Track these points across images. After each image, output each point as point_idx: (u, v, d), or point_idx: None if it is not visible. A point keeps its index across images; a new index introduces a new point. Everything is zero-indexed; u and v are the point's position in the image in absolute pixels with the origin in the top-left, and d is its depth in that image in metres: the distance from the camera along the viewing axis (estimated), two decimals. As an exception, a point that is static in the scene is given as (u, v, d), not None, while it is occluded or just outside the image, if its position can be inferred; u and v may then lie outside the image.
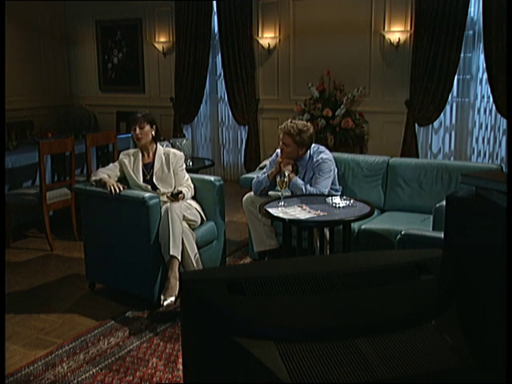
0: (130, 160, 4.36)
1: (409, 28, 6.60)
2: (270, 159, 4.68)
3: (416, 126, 6.72)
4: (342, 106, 6.71)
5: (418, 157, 6.63)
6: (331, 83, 6.90)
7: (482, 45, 6.22)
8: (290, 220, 3.60)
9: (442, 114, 6.62)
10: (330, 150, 4.67)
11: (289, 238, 3.87)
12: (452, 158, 6.74)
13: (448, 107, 6.65)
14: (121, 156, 4.44)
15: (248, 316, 1.49)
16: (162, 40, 8.18)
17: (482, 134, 6.58)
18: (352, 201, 3.95)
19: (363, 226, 4.35)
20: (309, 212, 3.68)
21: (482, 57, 6.29)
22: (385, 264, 1.60)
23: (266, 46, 7.41)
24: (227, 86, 7.72)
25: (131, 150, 4.51)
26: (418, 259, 1.67)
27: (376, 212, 4.74)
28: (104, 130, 7.91)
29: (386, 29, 6.73)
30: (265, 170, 4.67)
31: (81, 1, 8.61)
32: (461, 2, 6.16)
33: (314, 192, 4.22)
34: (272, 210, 3.74)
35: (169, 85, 8.21)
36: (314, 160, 4.39)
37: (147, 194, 3.88)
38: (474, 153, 6.65)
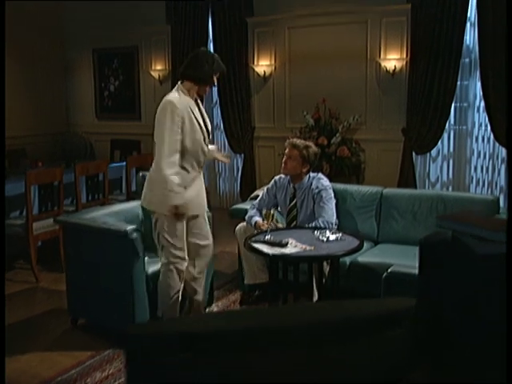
0: None
1: (405, 56, 6.54)
2: (263, 193, 4.57)
3: (413, 154, 6.61)
4: (337, 135, 6.62)
5: (415, 186, 6.51)
6: (327, 111, 6.82)
7: (478, 72, 6.13)
8: (275, 255, 3.47)
9: (439, 142, 6.51)
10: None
11: (276, 272, 3.74)
12: (450, 187, 6.61)
13: (446, 135, 6.54)
14: None
15: (199, 376, 1.36)
16: (158, 68, 8.16)
17: (480, 163, 6.46)
18: (340, 234, 3.81)
19: (355, 260, 4.22)
20: (295, 246, 3.55)
21: (478, 84, 6.19)
22: (351, 317, 1.47)
23: (262, 73, 7.36)
24: (223, 113, 7.66)
25: None
26: (388, 310, 1.54)
27: (369, 244, 4.63)
28: (100, 158, 7.85)
29: (382, 56, 6.67)
30: (256, 202, 4.55)
31: (79, 29, 8.64)
32: (457, 30, 6.09)
33: (322, 225, 4.10)
34: (257, 245, 3.62)
35: (165, 113, 8.12)
36: (314, 186, 4.30)
37: (130, 227, 3.76)
38: (472, 182, 6.52)
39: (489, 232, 1.51)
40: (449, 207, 4.49)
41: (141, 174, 5.34)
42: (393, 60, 6.59)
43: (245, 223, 4.43)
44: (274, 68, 7.34)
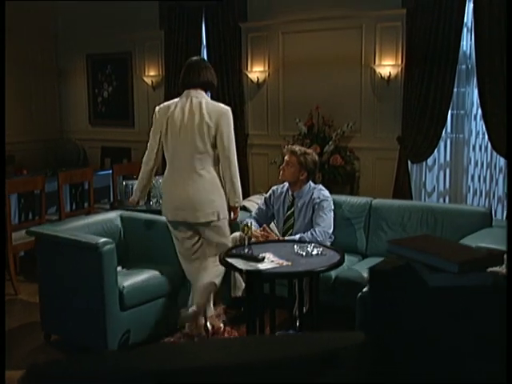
0: None
1: (400, 62, 6.35)
2: (261, 202, 4.57)
3: (409, 163, 6.41)
4: (330, 143, 6.44)
5: (411, 195, 6.31)
6: (320, 118, 6.64)
7: (475, 79, 5.94)
8: (248, 271, 3.30)
9: (435, 151, 6.30)
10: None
11: (251, 288, 3.57)
12: (447, 197, 6.40)
13: (442, 143, 6.33)
14: None
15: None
16: (151, 74, 8.01)
17: (477, 172, 6.24)
18: (321, 249, 3.63)
19: (340, 274, 4.06)
20: (271, 261, 3.37)
21: (475, 92, 5.99)
22: (285, 356, 1.30)
23: (255, 79, 7.20)
24: (216, 120, 7.49)
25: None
26: (330, 347, 1.37)
27: (357, 258, 4.49)
28: (93, 165, 7.72)
29: (377, 62, 6.48)
30: (254, 211, 4.55)
31: (72, 34, 8.53)
32: (453, 36, 5.89)
33: (318, 234, 3.99)
34: (231, 259, 3.45)
35: (158, 119, 7.98)
36: (315, 196, 4.20)
37: (101, 240, 3.60)
38: (469, 191, 6.30)
39: (443, 261, 1.34)
40: (439, 219, 4.33)
41: (124, 182, 5.19)
42: (388, 66, 6.40)
43: (239, 232, 4.34)
44: (267, 74, 7.18)
